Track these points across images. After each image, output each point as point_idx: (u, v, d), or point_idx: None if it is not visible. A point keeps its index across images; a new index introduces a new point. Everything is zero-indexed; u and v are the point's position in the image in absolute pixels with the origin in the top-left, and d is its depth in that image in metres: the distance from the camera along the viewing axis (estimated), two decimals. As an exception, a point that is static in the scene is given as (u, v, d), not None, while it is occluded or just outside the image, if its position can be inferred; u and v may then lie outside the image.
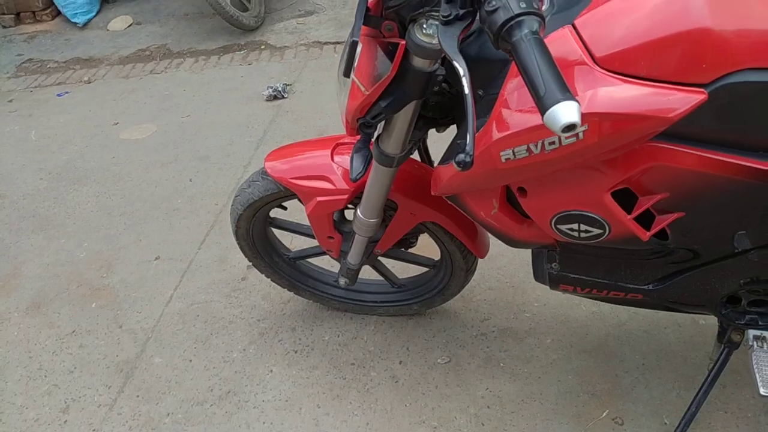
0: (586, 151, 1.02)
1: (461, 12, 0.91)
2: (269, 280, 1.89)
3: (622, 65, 0.96)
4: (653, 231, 1.15)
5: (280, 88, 3.35)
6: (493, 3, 0.83)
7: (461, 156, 0.82)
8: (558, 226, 1.20)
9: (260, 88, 3.41)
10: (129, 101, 3.54)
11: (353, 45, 0.99)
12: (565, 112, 0.72)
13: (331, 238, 1.57)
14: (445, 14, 0.91)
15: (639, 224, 1.15)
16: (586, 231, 1.19)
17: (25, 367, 1.94)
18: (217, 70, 3.79)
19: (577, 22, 0.99)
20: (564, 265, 1.38)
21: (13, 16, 4.60)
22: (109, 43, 4.29)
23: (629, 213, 1.14)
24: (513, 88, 1.03)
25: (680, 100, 0.96)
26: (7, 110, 3.64)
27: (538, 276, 1.44)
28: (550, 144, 1.01)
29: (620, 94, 0.96)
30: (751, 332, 1.37)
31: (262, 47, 3.97)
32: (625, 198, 1.14)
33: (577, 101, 0.74)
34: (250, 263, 1.83)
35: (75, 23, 4.50)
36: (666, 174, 1.08)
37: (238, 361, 1.86)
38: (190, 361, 1.89)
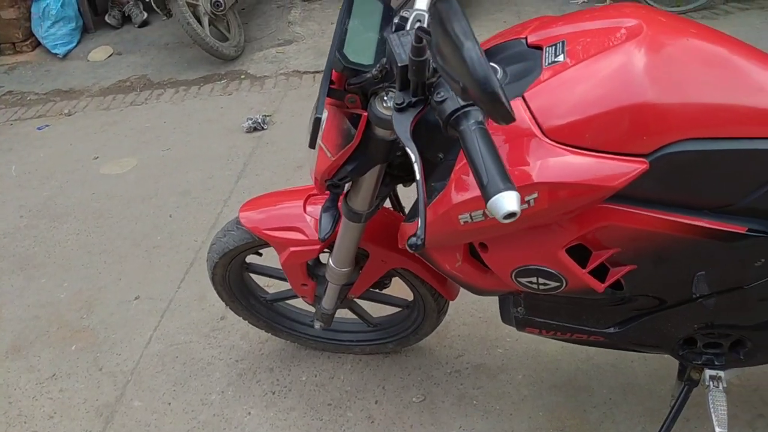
0: (537, 216, 1.07)
1: (413, 99, 0.96)
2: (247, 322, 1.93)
3: (569, 136, 1.02)
4: (607, 283, 1.21)
5: (259, 120, 3.40)
6: (442, 93, 0.88)
7: (413, 239, 0.86)
8: (518, 279, 1.25)
9: (240, 119, 3.45)
10: (109, 134, 3.57)
11: (317, 121, 1.04)
12: (506, 202, 0.77)
13: (305, 285, 1.61)
14: (399, 102, 0.95)
15: (594, 276, 1.21)
16: (544, 284, 1.24)
17: (4, 413, 1.96)
18: (197, 100, 3.83)
19: (526, 95, 1.04)
20: (529, 309, 1.43)
21: (-7, 47, 4.62)
22: (89, 74, 4.32)
23: (585, 266, 1.20)
24: (462, 162, 1.08)
25: (622, 170, 1.01)
26: (-13, 145, 3.65)
27: (505, 318, 1.49)
28: (504, 210, 1.06)
29: (566, 165, 1.02)
30: (708, 372, 1.43)
31: (242, 77, 4.02)
32: (581, 251, 1.19)
33: (517, 191, 0.79)
34: (227, 306, 1.87)
35: (55, 54, 4.53)
36: (617, 232, 1.14)
37: (217, 403, 1.89)
38: (169, 404, 1.92)
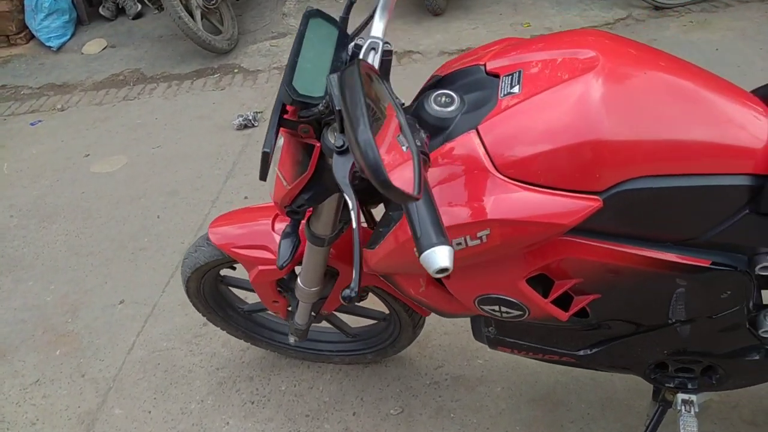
0: (490, 252, 1.06)
1: None
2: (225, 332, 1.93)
3: (521, 172, 1.00)
4: (571, 311, 1.20)
5: (250, 117, 3.37)
6: None
7: (346, 291, 0.85)
8: (481, 306, 1.24)
9: (231, 115, 3.43)
10: (101, 130, 3.56)
11: (264, 155, 1.02)
12: (438, 257, 0.76)
13: (276, 302, 1.60)
14: (338, 144, 0.93)
15: (559, 303, 1.19)
16: (507, 312, 1.23)
17: (-13, 420, 1.98)
18: (189, 95, 3.81)
19: (481, 127, 1.02)
20: (500, 330, 1.42)
21: (-13, 40, 4.60)
22: (83, 68, 4.30)
23: (548, 293, 1.18)
24: (423, 189, 1.06)
25: (574, 208, 1.00)
26: (-20, 140, 3.65)
27: (477, 336, 1.48)
28: (457, 245, 1.05)
29: (518, 201, 1.00)
30: (680, 396, 1.42)
31: (236, 71, 3.99)
32: (546, 278, 1.18)
33: (450, 246, 0.77)
34: (204, 317, 1.86)
35: (49, 47, 4.50)
36: (578, 264, 1.12)
37: (196, 413, 1.90)
38: (149, 412, 1.92)
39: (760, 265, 1.09)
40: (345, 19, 1.22)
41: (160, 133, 3.45)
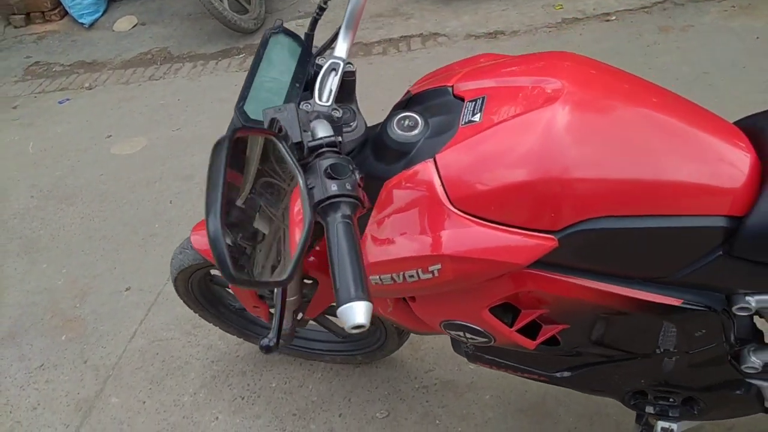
0: (444, 285, 1.02)
1: None
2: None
3: (476, 207, 0.95)
4: (540, 340, 1.15)
5: (269, 101, 3.35)
6: (311, 180, 0.82)
7: (264, 341, 0.82)
8: (447, 330, 1.21)
9: (251, 99, 3.41)
10: (125, 111, 3.60)
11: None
12: (355, 314, 0.72)
13: (257, 307, 1.60)
14: None
15: (529, 329, 1.15)
16: (472, 338, 1.19)
17: (-7, 401, 2.05)
18: (213, 77, 3.81)
19: (438, 156, 0.98)
20: (476, 348, 1.38)
21: (23, 16, 4.69)
22: (113, 46, 4.35)
23: (516, 319, 1.14)
24: (374, 219, 1.03)
25: (528, 247, 0.95)
26: (11, 118, 3.75)
27: (457, 350, 1.45)
28: (410, 276, 1.01)
29: (471, 237, 0.96)
30: (660, 424, 1.36)
31: (260, 51, 3.96)
32: (513, 306, 1.13)
33: (368, 301, 0.73)
34: (197, 314, 1.88)
35: (82, 23, 4.56)
36: (541, 295, 1.07)
37: (188, 405, 1.93)
38: (144, 402, 1.96)
39: (737, 306, 1.02)
40: (310, 35, 1.18)
41: (181, 114, 3.47)
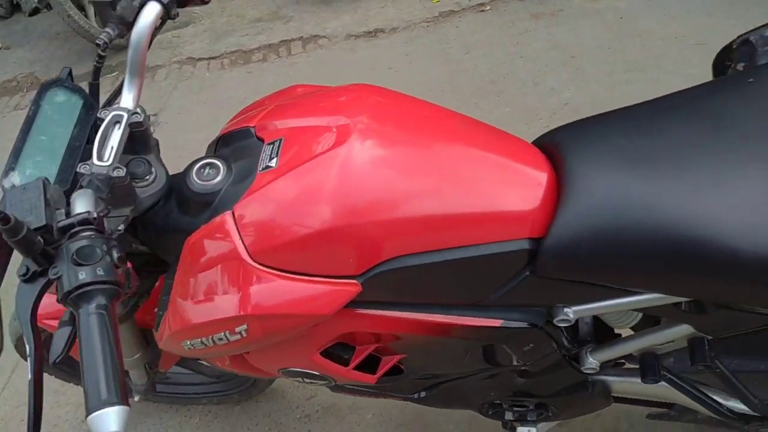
0: (257, 342, 0.97)
1: (39, 269, 0.77)
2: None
3: (276, 260, 0.90)
4: (381, 372, 1.11)
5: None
6: (58, 268, 0.73)
7: None
8: (287, 376, 1.16)
9: (124, 121, 3.25)
10: (-12, 147, 3.36)
11: None
12: (106, 422, 0.64)
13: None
14: (22, 272, 0.78)
15: (370, 362, 1.11)
16: (312, 381, 1.15)
17: None
18: (84, 100, 3.60)
19: (236, 207, 0.91)
20: None
21: None
22: (-26, 75, 4.05)
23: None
24: (178, 281, 0.96)
25: (332, 296, 0.90)
26: None
27: None
28: (219, 339, 0.95)
29: (273, 292, 0.90)
30: (520, 429, 1.39)
31: (134, 69, 3.78)
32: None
33: (123, 405, 0.65)
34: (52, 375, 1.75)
35: (-62, 53, 4.23)
36: (365, 333, 1.04)
37: (57, 471, 1.81)
38: (9, 474, 1.83)
39: (557, 318, 1.02)
40: (95, 85, 1.08)
41: (49, 146, 3.26)
